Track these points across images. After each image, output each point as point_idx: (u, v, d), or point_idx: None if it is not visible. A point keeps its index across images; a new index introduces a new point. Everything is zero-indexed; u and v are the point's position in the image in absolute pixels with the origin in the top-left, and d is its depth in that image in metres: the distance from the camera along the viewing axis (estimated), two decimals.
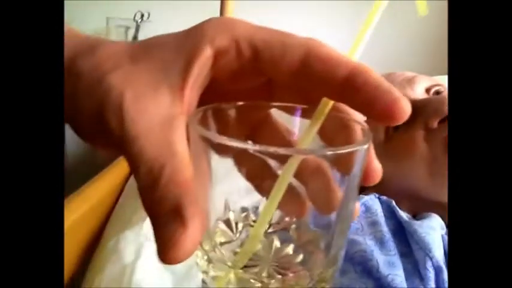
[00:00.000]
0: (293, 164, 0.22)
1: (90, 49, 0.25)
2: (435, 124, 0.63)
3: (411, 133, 0.64)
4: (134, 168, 0.22)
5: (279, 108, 0.27)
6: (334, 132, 0.25)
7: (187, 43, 0.24)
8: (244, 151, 0.21)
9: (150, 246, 0.73)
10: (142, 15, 1.48)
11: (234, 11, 1.26)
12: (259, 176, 0.24)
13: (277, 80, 0.25)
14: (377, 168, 0.25)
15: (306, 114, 0.26)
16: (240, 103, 0.26)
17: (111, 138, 0.23)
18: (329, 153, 0.22)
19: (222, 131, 0.24)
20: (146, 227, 0.76)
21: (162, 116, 0.23)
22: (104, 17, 1.51)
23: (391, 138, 0.68)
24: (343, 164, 0.23)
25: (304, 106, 0.26)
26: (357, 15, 1.67)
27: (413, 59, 1.66)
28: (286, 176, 0.23)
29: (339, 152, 0.22)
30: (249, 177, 0.24)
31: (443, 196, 0.64)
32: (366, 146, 0.23)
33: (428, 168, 0.65)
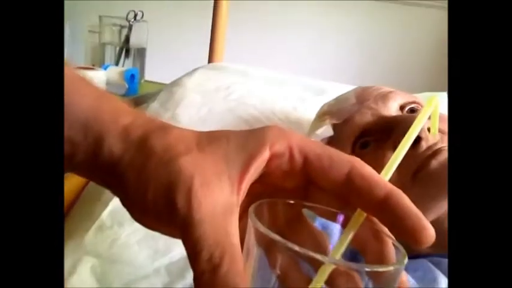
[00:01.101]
0: (327, 271, 0.24)
1: (162, 130, 0.28)
2: None
3: (380, 154, 0.59)
4: (195, 251, 0.24)
5: (318, 210, 0.29)
6: (367, 242, 0.27)
7: (249, 143, 0.27)
8: (281, 247, 0.24)
9: (88, 262, 0.71)
10: (135, 15, 1.48)
11: (228, 12, 1.26)
12: (287, 272, 0.26)
13: (319, 185, 0.28)
14: (406, 284, 0.27)
15: (342, 222, 0.29)
16: (291, 201, 0.29)
17: (173, 217, 0.25)
18: (366, 269, 0.24)
19: (270, 222, 0.27)
20: (88, 239, 0.74)
21: (223, 204, 0.25)
22: (97, 15, 1.51)
23: (358, 156, 0.61)
24: (376, 278, 0.25)
25: (341, 212, 0.29)
26: (366, 17, 1.67)
27: (413, 74, 1.64)
28: (319, 282, 0.24)
29: (375, 269, 0.24)
30: (278, 271, 0.26)
31: None
32: (402, 267, 0.25)
33: None
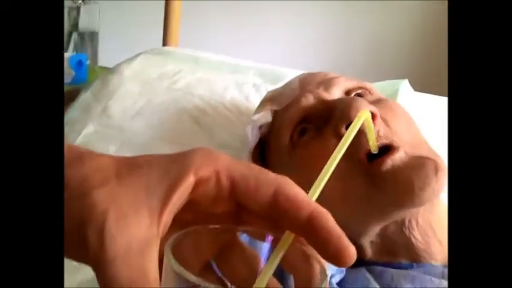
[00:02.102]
0: None
1: (78, 159, 0.27)
2: (343, 131, 0.53)
3: (321, 141, 0.55)
4: None
5: (249, 233, 0.29)
6: (296, 263, 0.28)
7: (173, 169, 0.27)
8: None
9: None
10: None
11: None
12: None
13: (249, 208, 0.28)
14: None
15: (272, 242, 0.29)
16: (213, 226, 0.29)
17: (86, 254, 0.24)
18: None
19: (194, 253, 0.27)
20: None
21: (140, 238, 0.25)
22: None
23: (297, 144, 0.59)
24: None
25: (272, 234, 0.29)
26: (340, 16, 1.59)
27: (386, 62, 1.59)
28: None
29: None
30: None
31: (353, 227, 0.53)
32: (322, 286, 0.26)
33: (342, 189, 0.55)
